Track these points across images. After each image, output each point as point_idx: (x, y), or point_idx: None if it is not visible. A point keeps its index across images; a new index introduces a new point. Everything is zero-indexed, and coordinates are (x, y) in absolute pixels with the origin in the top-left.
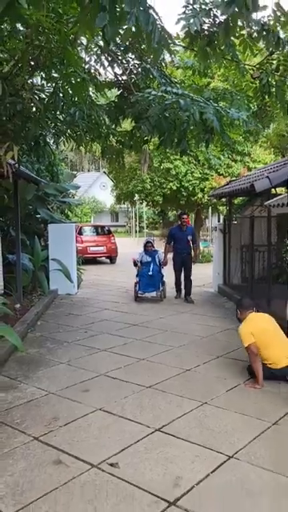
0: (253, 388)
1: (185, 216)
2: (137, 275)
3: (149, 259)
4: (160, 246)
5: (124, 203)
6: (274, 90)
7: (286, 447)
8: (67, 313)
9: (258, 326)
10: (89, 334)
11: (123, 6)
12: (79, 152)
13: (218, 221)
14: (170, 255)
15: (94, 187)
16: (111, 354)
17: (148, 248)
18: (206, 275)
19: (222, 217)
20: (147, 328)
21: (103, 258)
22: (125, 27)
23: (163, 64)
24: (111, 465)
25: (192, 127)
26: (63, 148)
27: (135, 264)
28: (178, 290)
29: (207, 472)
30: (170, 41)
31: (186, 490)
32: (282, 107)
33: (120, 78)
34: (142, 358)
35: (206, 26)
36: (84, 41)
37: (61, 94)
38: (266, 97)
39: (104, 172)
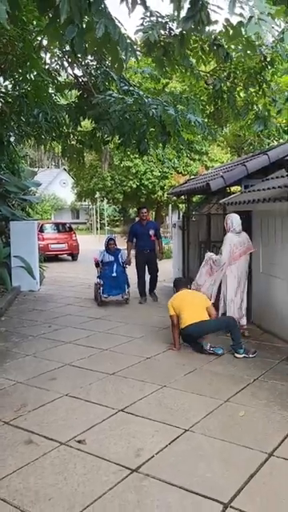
0: (172, 349)
1: (144, 210)
2: (98, 277)
3: (111, 259)
4: (122, 243)
5: (85, 200)
6: (225, 95)
7: (235, 420)
8: (31, 308)
9: (178, 299)
10: (53, 328)
11: (91, 17)
12: (39, 149)
13: (178, 218)
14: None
15: (54, 184)
16: (76, 346)
17: (110, 246)
18: (166, 270)
19: (181, 214)
20: (109, 321)
21: (65, 256)
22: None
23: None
24: (79, 442)
25: (151, 129)
26: (23, 145)
27: (97, 264)
28: (142, 293)
29: (165, 443)
30: (134, 47)
31: (147, 459)
32: (233, 112)
33: (80, 80)
34: (105, 349)
35: (161, 38)
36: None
37: (25, 98)
38: (219, 102)
39: (64, 169)
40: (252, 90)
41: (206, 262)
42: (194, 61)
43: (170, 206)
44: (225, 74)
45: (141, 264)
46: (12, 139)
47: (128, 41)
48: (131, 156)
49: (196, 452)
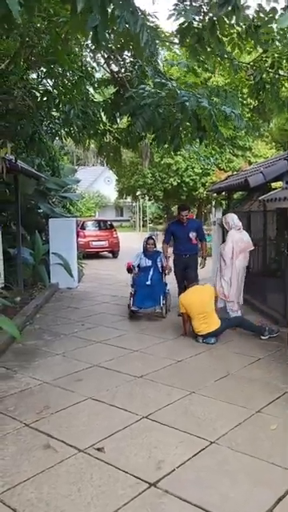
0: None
1: (185, 212)
2: (132, 285)
3: (148, 263)
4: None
5: (126, 198)
6: (268, 87)
7: (266, 434)
8: (66, 306)
9: (187, 299)
10: (86, 327)
11: (113, 8)
12: (83, 150)
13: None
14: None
15: (99, 181)
16: (106, 346)
17: (149, 247)
18: (205, 270)
19: (221, 212)
20: (143, 321)
21: (105, 253)
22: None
23: (158, 62)
24: (98, 449)
25: (186, 123)
26: (66, 143)
27: (130, 270)
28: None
29: (189, 456)
30: (157, 40)
31: (167, 472)
32: (277, 104)
33: (116, 75)
34: (135, 350)
35: (195, 24)
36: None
37: (55, 92)
38: (261, 93)
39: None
40: None
41: (219, 258)
42: (230, 49)
43: (213, 202)
44: (267, 63)
45: (180, 271)
46: (44, 138)
47: (149, 33)
48: (172, 153)
49: (221, 468)
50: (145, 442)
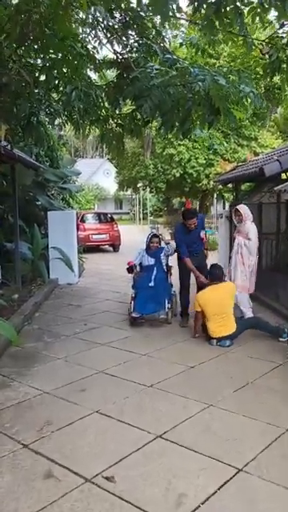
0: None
1: (193, 220)
2: (133, 286)
3: (151, 262)
4: (165, 234)
5: (127, 190)
6: (284, 66)
7: None
8: (67, 303)
9: (205, 298)
10: (88, 327)
11: None
12: (82, 138)
13: (224, 208)
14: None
15: (98, 174)
16: (111, 349)
17: (153, 246)
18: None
19: (227, 204)
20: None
21: (106, 246)
22: None
23: (166, 40)
24: (106, 478)
25: (197, 106)
26: (64, 132)
27: (130, 270)
28: (185, 312)
29: (214, 488)
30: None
31: (190, 510)
32: None
33: (119, 56)
34: (143, 354)
35: None
36: (80, 14)
37: (55, 70)
38: (276, 74)
39: (108, 159)
40: None
41: (237, 249)
42: (248, 24)
43: (215, 195)
44: (283, 40)
45: (187, 270)
46: (43, 121)
47: None
48: (175, 143)
49: (253, 505)
50: (161, 470)
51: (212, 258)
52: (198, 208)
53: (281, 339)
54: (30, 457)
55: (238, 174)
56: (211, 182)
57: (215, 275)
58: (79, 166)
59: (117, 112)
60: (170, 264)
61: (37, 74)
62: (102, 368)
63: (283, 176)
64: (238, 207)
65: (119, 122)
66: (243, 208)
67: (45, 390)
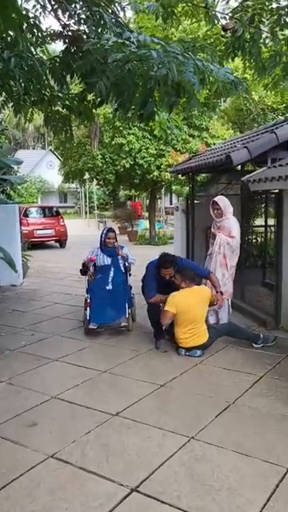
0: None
1: (167, 271)
2: (87, 290)
3: (107, 261)
4: (115, 229)
5: (73, 182)
6: (249, 44)
7: None
8: (10, 309)
9: (183, 301)
10: (37, 337)
11: None
12: (25, 122)
13: (170, 201)
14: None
15: (41, 166)
16: (65, 365)
17: (109, 242)
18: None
19: (173, 197)
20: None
21: (52, 242)
22: None
23: (118, 8)
24: None
25: (158, 86)
26: (2, 116)
27: (84, 271)
28: (159, 331)
29: None
30: None
31: None
32: (257, 66)
33: (66, 29)
34: (103, 370)
35: None
36: None
37: None
38: (239, 53)
39: (51, 150)
40: (282, 37)
41: (218, 248)
42: None
43: (163, 188)
44: (247, 16)
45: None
46: None
47: None
48: (124, 132)
49: None
50: None
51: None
52: (148, 201)
53: (255, 345)
54: None
55: (199, 163)
56: (162, 174)
57: (189, 276)
58: (20, 157)
59: (64, 92)
60: (130, 261)
61: None
62: (55, 392)
63: (238, 168)
64: (216, 199)
65: (66, 103)
66: (223, 200)
67: None
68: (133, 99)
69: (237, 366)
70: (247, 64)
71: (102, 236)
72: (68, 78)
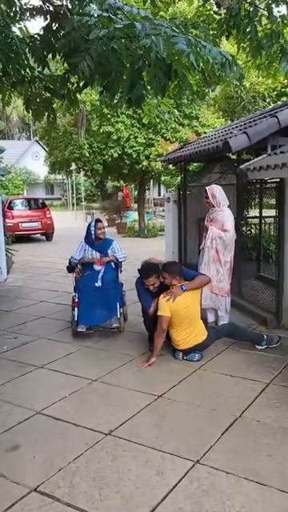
0: (144, 366)
1: (149, 280)
2: (75, 288)
3: (97, 256)
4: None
5: (59, 173)
6: (245, 21)
7: None
8: None
9: (179, 305)
10: (20, 341)
11: None
12: (6, 116)
13: (159, 193)
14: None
15: (26, 157)
16: (51, 374)
17: (100, 233)
18: (156, 252)
19: (162, 188)
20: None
21: (38, 235)
22: None
23: None
24: None
25: (148, 66)
26: None
27: (71, 268)
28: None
29: None
30: None
31: None
32: (251, 45)
33: (46, 4)
34: (93, 379)
35: None
36: None
37: None
38: (233, 32)
39: (36, 140)
40: (279, 15)
41: (211, 243)
42: None
43: (152, 179)
44: None
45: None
46: None
47: None
48: (112, 119)
49: None
50: None
51: (159, 246)
52: (137, 192)
53: (258, 347)
54: None
55: (193, 151)
56: (152, 164)
57: (177, 270)
58: (3, 146)
59: (45, 73)
60: (121, 259)
61: None
62: (40, 406)
63: (232, 156)
64: (208, 189)
65: (48, 85)
66: (212, 189)
67: None
68: (120, 81)
69: (240, 372)
70: (241, 44)
71: (90, 229)
72: (50, 57)
